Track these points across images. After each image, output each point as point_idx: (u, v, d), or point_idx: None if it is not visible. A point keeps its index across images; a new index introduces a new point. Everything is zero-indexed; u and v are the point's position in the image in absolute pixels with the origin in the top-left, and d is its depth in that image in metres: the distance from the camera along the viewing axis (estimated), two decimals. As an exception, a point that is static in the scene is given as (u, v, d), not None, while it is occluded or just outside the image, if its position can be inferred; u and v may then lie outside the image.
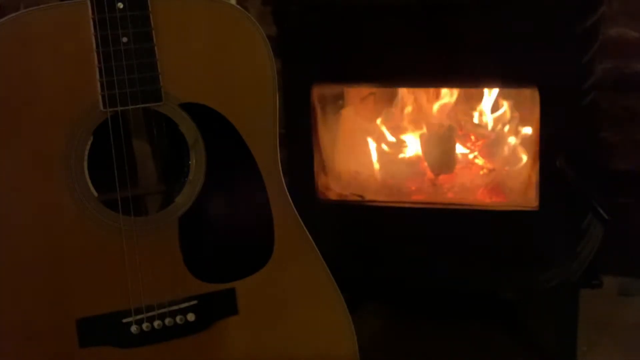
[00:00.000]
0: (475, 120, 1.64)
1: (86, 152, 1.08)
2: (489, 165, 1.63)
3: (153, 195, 1.17)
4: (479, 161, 1.65)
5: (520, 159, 1.59)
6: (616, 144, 1.81)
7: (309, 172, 1.59)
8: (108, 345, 1.13)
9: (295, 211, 1.19)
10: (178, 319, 1.14)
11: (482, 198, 1.60)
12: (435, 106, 1.65)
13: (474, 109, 1.64)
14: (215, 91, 1.14)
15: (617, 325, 1.67)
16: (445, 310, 1.76)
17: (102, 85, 1.06)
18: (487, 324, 1.71)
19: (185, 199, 1.14)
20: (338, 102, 1.65)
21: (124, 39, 1.06)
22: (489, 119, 1.63)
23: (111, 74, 1.06)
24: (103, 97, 1.06)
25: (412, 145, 1.66)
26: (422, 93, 1.65)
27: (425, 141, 1.64)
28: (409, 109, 1.66)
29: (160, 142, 1.17)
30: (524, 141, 1.58)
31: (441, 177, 1.63)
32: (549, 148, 1.45)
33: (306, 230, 1.20)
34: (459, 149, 1.65)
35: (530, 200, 1.50)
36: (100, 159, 1.09)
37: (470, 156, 1.65)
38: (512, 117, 1.61)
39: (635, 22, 1.74)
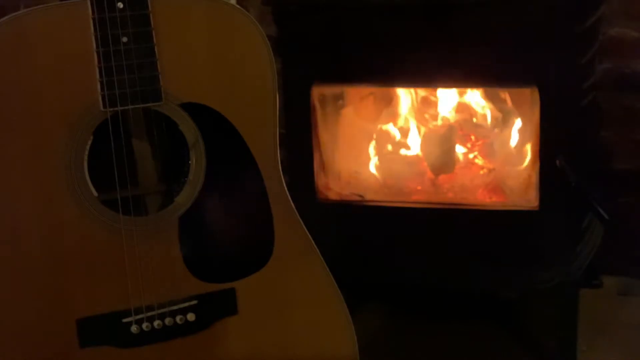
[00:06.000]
0: (475, 120, 1.64)
1: (86, 152, 1.08)
2: (489, 165, 1.63)
3: (153, 195, 1.17)
4: (479, 161, 1.65)
5: (520, 159, 1.58)
6: (616, 144, 1.81)
7: (309, 172, 1.59)
8: (108, 345, 1.13)
9: (295, 211, 1.19)
10: (178, 318, 1.14)
11: (482, 198, 1.60)
12: (435, 106, 1.65)
13: (474, 108, 1.64)
14: (215, 91, 1.14)
15: (617, 325, 1.67)
16: (445, 310, 1.76)
17: (102, 85, 1.06)
18: (487, 324, 1.71)
19: (185, 199, 1.14)
20: (338, 102, 1.65)
21: (124, 39, 1.06)
22: (488, 119, 1.63)
23: (111, 74, 1.06)
24: (103, 96, 1.06)
25: (412, 145, 1.66)
26: (422, 93, 1.65)
27: (425, 141, 1.64)
28: (408, 108, 1.66)
29: (160, 142, 1.17)
30: (524, 141, 1.58)
31: (441, 177, 1.63)
32: (549, 148, 1.45)
33: (306, 230, 1.20)
34: (459, 149, 1.65)
35: (530, 200, 1.50)
36: (100, 159, 1.09)
37: (470, 156, 1.65)
38: (512, 117, 1.61)
39: (635, 22, 1.74)
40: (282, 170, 1.18)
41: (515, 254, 1.50)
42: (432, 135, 1.64)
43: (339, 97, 1.65)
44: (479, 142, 1.66)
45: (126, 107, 1.08)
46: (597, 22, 1.55)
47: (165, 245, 1.13)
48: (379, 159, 1.67)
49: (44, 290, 1.09)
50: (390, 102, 1.66)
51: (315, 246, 1.21)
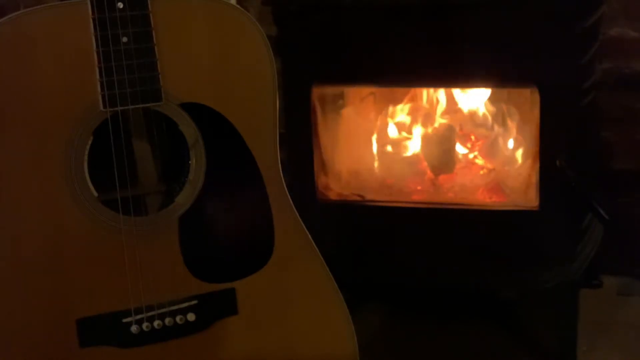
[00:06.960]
0: (475, 120, 1.64)
1: (86, 152, 1.08)
2: (489, 165, 1.63)
3: (153, 195, 1.17)
4: (479, 161, 1.65)
5: (520, 159, 1.59)
6: (616, 144, 1.81)
7: (309, 172, 1.58)
8: (108, 345, 1.13)
9: (295, 211, 1.19)
10: (178, 318, 1.14)
11: (482, 198, 1.60)
12: (435, 106, 1.65)
13: (474, 108, 1.64)
14: (215, 91, 1.14)
15: (617, 325, 1.67)
16: (445, 310, 1.76)
17: (102, 85, 1.06)
18: (487, 323, 1.71)
19: (185, 199, 1.14)
20: (338, 102, 1.65)
21: (124, 39, 1.06)
22: (488, 119, 1.63)
23: (111, 74, 1.06)
24: (103, 96, 1.06)
25: (412, 145, 1.66)
26: (422, 93, 1.65)
27: (425, 141, 1.64)
28: (408, 108, 1.66)
29: (160, 142, 1.17)
30: (524, 141, 1.58)
31: (441, 177, 1.63)
32: (549, 148, 1.45)
33: (306, 230, 1.20)
34: (459, 149, 1.65)
35: (530, 200, 1.50)
36: (100, 159, 1.09)
37: (470, 156, 1.65)
38: (511, 117, 1.61)
39: (635, 22, 1.74)
40: (282, 170, 1.18)
41: (515, 254, 1.50)
42: (432, 135, 1.64)
43: (339, 97, 1.65)
44: (479, 142, 1.66)
45: (126, 107, 1.08)
46: (597, 22, 1.55)
47: (165, 245, 1.13)
48: (379, 159, 1.66)
49: (44, 290, 1.09)
50: (390, 102, 1.66)
51: (315, 246, 1.21)
